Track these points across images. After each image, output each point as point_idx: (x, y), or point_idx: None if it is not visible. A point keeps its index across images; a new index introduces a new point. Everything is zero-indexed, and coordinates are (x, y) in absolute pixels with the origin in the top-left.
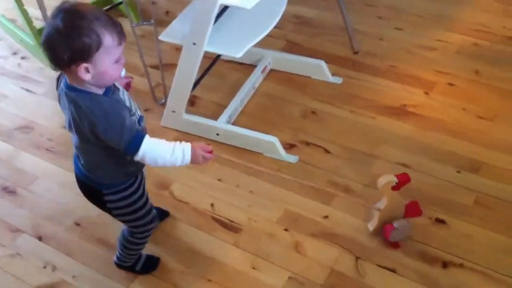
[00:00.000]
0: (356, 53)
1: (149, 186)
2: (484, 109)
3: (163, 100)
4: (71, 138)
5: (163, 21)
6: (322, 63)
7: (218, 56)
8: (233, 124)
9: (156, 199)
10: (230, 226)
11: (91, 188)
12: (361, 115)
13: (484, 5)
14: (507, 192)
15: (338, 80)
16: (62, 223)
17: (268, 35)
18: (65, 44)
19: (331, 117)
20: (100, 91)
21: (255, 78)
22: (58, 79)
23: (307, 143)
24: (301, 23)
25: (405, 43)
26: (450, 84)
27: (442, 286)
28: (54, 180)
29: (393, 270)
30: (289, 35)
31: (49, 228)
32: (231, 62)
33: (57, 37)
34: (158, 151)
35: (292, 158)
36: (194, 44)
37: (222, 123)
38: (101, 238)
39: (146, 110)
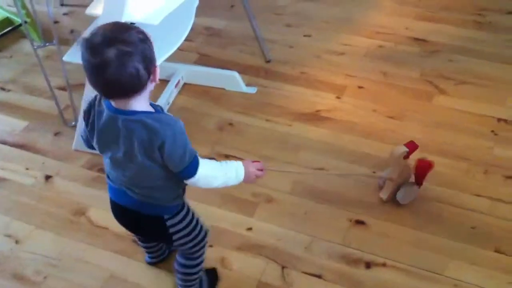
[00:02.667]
0: (268, 61)
1: (64, 214)
2: (393, 109)
3: (73, 123)
4: (119, 171)
5: (68, 40)
6: (236, 74)
7: None
8: None
9: (72, 227)
10: None
11: (150, 218)
12: (277, 123)
13: (386, 8)
14: (421, 187)
15: (252, 90)
16: None
17: (179, 49)
18: (142, 59)
19: (248, 127)
20: (152, 110)
21: (169, 93)
22: (89, 116)
23: (226, 155)
24: (211, 34)
25: (314, 49)
26: (360, 87)
27: (367, 286)
28: None
29: (319, 276)
30: (200, 48)
31: None
32: None
33: (132, 60)
34: (211, 173)
35: None
36: None
37: None
38: (15, 273)
39: (56, 134)
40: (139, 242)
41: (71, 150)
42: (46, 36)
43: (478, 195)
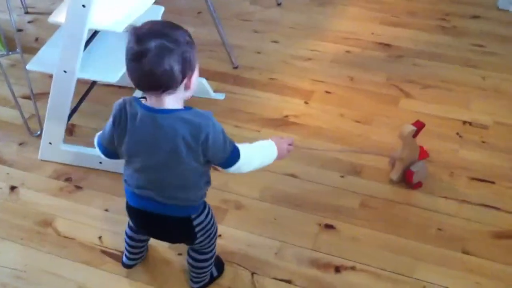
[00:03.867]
0: (236, 67)
1: (30, 225)
2: (360, 113)
3: (38, 132)
4: (152, 174)
5: (33, 49)
6: (203, 80)
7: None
8: None
9: (38, 238)
10: (121, 258)
11: (178, 220)
12: (246, 129)
13: (352, 14)
14: (388, 191)
15: (220, 96)
16: None
17: None
18: (179, 58)
19: None
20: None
21: None
22: (120, 119)
23: None
24: None
25: (282, 55)
26: (327, 92)
27: None
28: None
29: (289, 281)
30: None
31: None
32: (110, 85)
33: (169, 56)
34: (252, 155)
35: None
36: (65, 72)
37: None
38: None
39: (21, 144)
40: (126, 242)
41: (36, 160)
42: (10, 44)
43: (445, 197)
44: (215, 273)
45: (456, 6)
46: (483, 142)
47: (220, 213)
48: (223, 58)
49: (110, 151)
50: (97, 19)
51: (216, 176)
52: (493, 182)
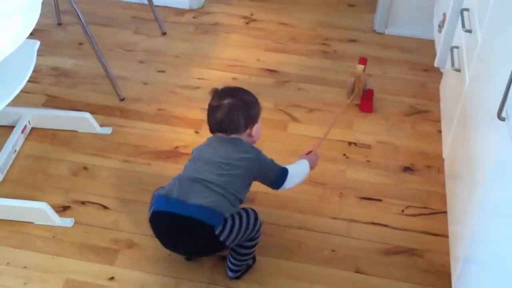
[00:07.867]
0: (122, 100)
1: None
2: None
3: None
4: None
5: None
6: (88, 115)
7: None
8: None
9: None
10: None
11: (203, 226)
12: (136, 163)
13: (236, 42)
14: (280, 216)
15: (107, 130)
16: None
17: (25, 92)
18: (244, 114)
19: (104, 170)
20: None
21: (15, 140)
22: None
23: (82, 202)
24: (59, 75)
25: (169, 85)
26: None
27: None
28: None
29: None
30: (48, 89)
31: None
32: None
33: (237, 111)
34: (296, 174)
35: (67, 222)
36: None
37: None
38: None
39: None
40: None
41: None
42: None
43: (335, 218)
44: (250, 262)
45: (335, 31)
46: (368, 161)
47: (111, 254)
48: (107, 91)
49: None
50: None
51: (105, 215)
52: (379, 200)
